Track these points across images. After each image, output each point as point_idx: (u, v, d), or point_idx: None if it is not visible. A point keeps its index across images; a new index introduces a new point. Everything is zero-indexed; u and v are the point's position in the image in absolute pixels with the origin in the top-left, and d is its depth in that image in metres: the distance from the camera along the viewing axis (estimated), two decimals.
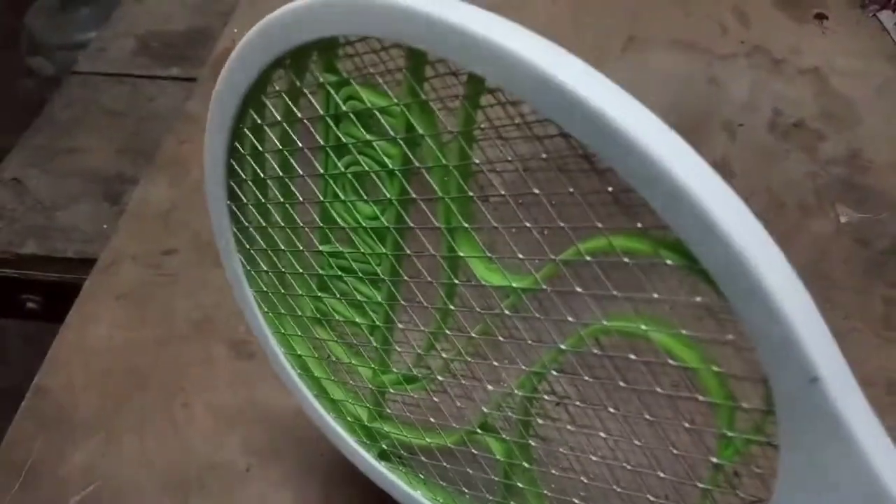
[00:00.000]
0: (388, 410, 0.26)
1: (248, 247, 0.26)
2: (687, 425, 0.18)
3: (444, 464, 0.25)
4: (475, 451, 0.24)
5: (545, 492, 0.23)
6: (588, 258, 0.18)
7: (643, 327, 0.18)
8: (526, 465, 0.23)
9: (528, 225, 0.19)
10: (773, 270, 0.15)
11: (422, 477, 0.26)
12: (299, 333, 0.27)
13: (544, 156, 0.17)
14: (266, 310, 0.27)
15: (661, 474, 0.19)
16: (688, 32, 0.57)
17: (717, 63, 0.55)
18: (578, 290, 0.18)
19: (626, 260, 0.17)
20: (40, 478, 0.33)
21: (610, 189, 0.16)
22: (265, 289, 0.27)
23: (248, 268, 0.27)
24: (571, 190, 0.17)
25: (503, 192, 0.19)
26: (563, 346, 0.20)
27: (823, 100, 0.52)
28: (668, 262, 0.16)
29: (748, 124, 0.50)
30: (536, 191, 0.18)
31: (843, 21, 0.59)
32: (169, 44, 0.60)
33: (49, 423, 0.35)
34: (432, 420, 0.25)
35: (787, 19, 0.59)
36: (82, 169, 0.50)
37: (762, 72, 0.54)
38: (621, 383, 0.19)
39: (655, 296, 0.17)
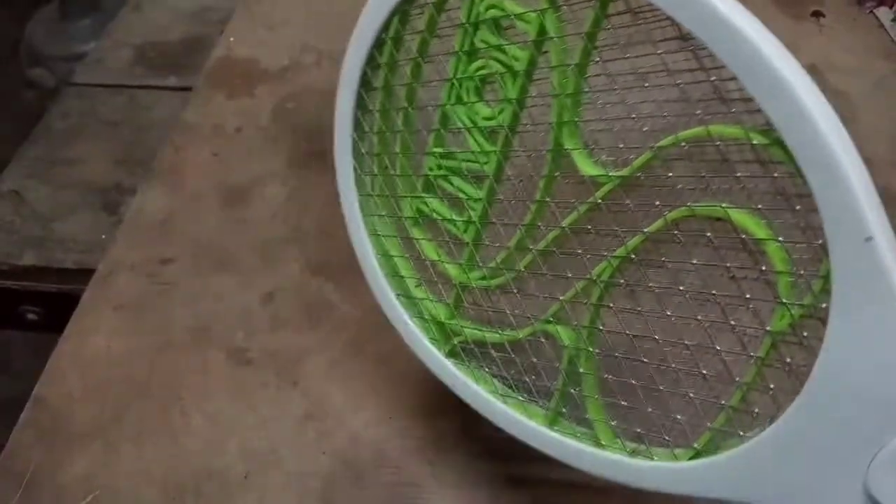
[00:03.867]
0: (467, 307, 0.29)
1: (363, 150, 0.30)
2: (748, 296, 0.21)
3: (513, 356, 0.27)
4: (544, 340, 0.26)
5: (607, 375, 0.25)
6: (684, 144, 0.21)
7: (723, 205, 0.21)
8: (591, 349, 0.25)
9: (633, 116, 0.22)
10: (843, 148, 0.19)
11: (487, 371, 0.28)
12: (394, 234, 0.30)
13: (660, 52, 0.20)
14: (367, 211, 0.31)
15: (719, 347, 0.21)
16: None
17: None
18: (669, 175, 0.21)
19: (717, 143, 0.20)
20: (40, 487, 0.33)
21: (713, 79, 0.19)
22: (371, 192, 0.30)
23: (358, 171, 0.30)
24: (679, 82, 0.20)
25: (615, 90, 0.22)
26: (646, 231, 0.22)
27: None
28: (755, 141, 0.19)
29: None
30: (646, 84, 0.21)
31: (839, 18, 0.59)
32: (165, 53, 0.60)
33: (48, 432, 0.35)
34: (508, 314, 0.27)
35: (785, 17, 0.59)
36: (80, 180, 0.50)
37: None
38: (693, 261, 0.21)
39: (738, 174, 0.20)
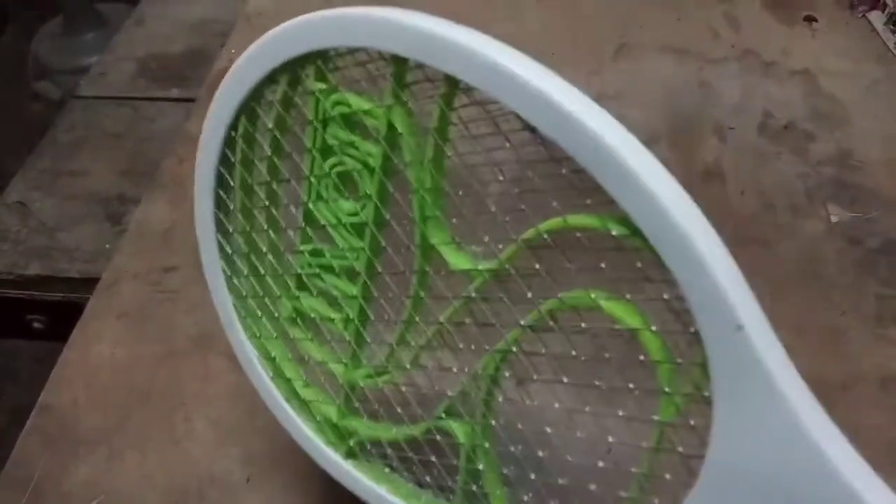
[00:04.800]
0: (357, 405, 0.28)
1: (230, 252, 0.28)
2: (631, 386, 0.20)
3: (410, 454, 0.26)
4: (439, 438, 0.25)
5: (504, 471, 0.24)
6: (546, 237, 0.20)
7: (593, 296, 0.20)
8: (487, 444, 0.24)
9: (493, 209, 0.21)
10: (702, 237, 0.18)
11: (387, 472, 0.28)
12: (274, 335, 0.29)
13: (507, 145, 0.20)
14: (244, 314, 0.29)
15: (611, 438, 0.21)
16: (679, 38, 0.58)
17: (708, 67, 0.55)
18: (536, 266, 0.21)
19: (577, 234, 0.20)
20: (45, 494, 0.34)
21: (564, 171, 0.19)
22: (244, 293, 0.29)
23: (229, 273, 0.29)
24: (531, 175, 0.20)
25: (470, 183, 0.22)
26: (522, 323, 0.22)
27: (813, 101, 0.52)
28: (614, 232, 0.19)
29: (739, 127, 0.51)
30: (501, 178, 0.21)
31: (832, 23, 0.60)
32: (168, 66, 0.61)
33: (53, 440, 0.36)
34: (400, 412, 0.26)
35: (777, 22, 0.60)
36: (85, 191, 0.51)
37: (753, 75, 0.55)
38: (573, 352, 0.21)
39: (603, 265, 0.20)
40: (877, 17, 0.59)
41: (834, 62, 0.55)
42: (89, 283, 0.44)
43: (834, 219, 0.43)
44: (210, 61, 0.59)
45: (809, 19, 0.60)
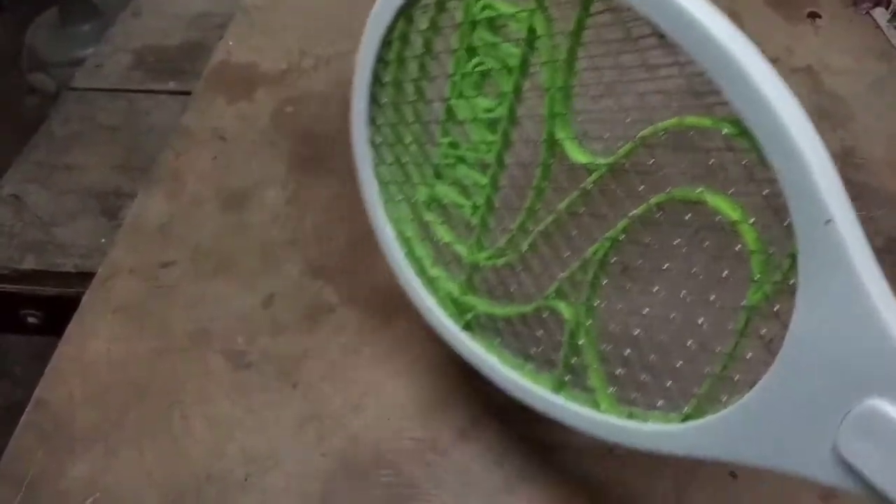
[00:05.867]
0: (477, 284, 0.32)
1: (378, 142, 0.33)
2: (725, 274, 0.23)
3: (520, 329, 0.30)
4: (547, 316, 0.29)
5: (602, 347, 0.27)
6: (662, 135, 0.23)
7: (699, 191, 0.23)
8: (589, 323, 0.27)
9: (616, 109, 0.24)
10: (804, 136, 0.20)
11: (497, 344, 0.31)
12: (410, 218, 0.34)
13: (635, 49, 0.22)
14: (385, 199, 0.34)
15: (701, 320, 0.24)
16: None
17: None
18: (650, 162, 0.23)
19: (690, 134, 0.22)
20: (41, 491, 0.33)
21: (685, 74, 0.21)
22: (387, 179, 0.34)
23: (376, 161, 0.34)
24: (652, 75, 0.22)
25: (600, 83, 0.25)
26: (633, 213, 0.24)
27: (816, 98, 0.52)
28: (725, 131, 0.21)
29: None
30: (626, 79, 0.23)
31: (835, 19, 0.59)
32: (165, 58, 0.61)
33: (49, 436, 0.35)
34: (514, 291, 0.30)
35: (780, 19, 0.59)
36: (80, 184, 0.51)
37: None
38: (675, 241, 0.24)
39: (712, 162, 0.22)
40: (880, 14, 0.59)
41: (837, 59, 0.55)
42: (85, 277, 0.44)
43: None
44: (208, 54, 0.59)
45: (813, 16, 0.60)
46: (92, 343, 0.39)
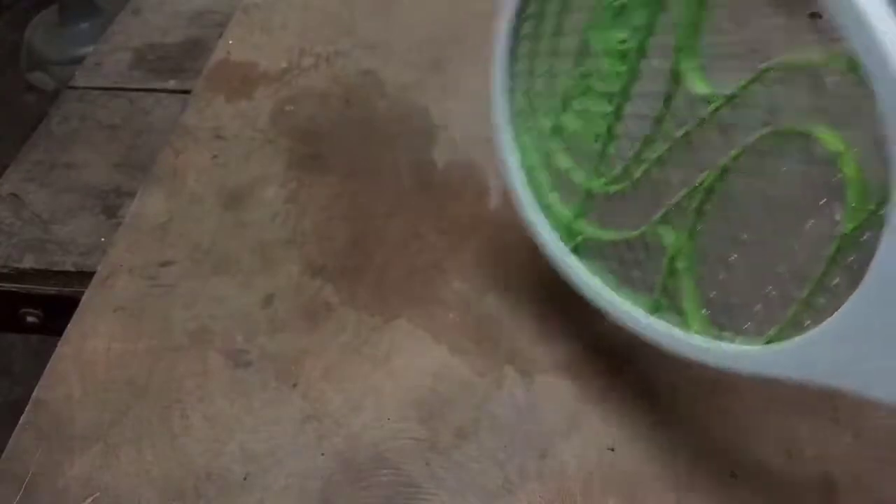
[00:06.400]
0: (589, 209, 0.34)
1: (516, 71, 0.35)
2: (822, 202, 0.24)
3: (625, 253, 0.32)
4: (649, 241, 0.31)
5: (699, 268, 0.29)
6: (781, 68, 0.24)
7: (808, 123, 0.24)
8: (690, 248, 0.29)
9: (739, 44, 0.26)
10: None
11: (602, 266, 0.34)
12: (535, 147, 0.36)
13: None
14: (515, 126, 0.36)
15: (795, 246, 0.25)
16: None
17: None
18: (766, 94, 0.25)
19: (804, 71, 0.24)
20: (40, 490, 0.33)
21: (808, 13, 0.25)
22: (519, 108, 0.36)
23: (512, 89, 0.36)
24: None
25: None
26: (746, 142, 0.26)
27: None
28: (838, 66, 0.23)
29: None
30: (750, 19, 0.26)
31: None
32: (164, 57, 0.61)
33: (48, 435, 0.35)
34: (623, 217, 0.32)
35: (781, 18, 0.59)
36: (79, 183, 0.51)
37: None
38: (783, 168, 0.25)
39: (823, 96, 0.23)
40: None
41: None
42: (84, 276, 0.44)
43: (837, 217, 0.43)
44: (208, 52, 0.59)
45: (814, 16, 0.60)
46: (91, 342, 0.39)
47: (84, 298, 0.41)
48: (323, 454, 0.34)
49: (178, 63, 0.60)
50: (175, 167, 0.49)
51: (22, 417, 0.36)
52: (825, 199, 0.24)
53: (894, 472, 0.33)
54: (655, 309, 0.31)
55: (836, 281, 0.24)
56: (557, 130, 0.35)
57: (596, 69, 0.32)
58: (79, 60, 0.63)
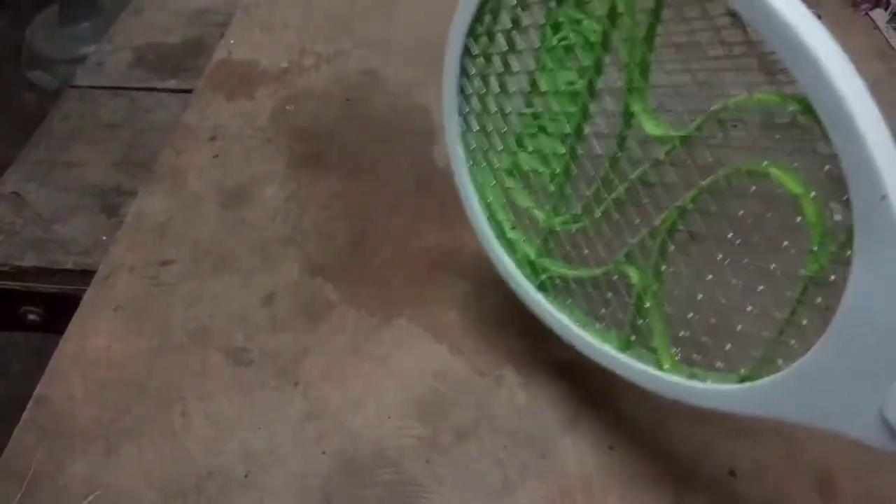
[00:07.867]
0: (552, 247, 0.34)
1: (466, 110, 0.35)
2: (786, 244, 0.24)
3: (591, 291, 0.32)
4: (616, 279, 0.30)
5: (667, 310, 0.29)
6: (733, 109, 0.24)
7: (765, 164, 0.24)
8: (656, 287, 0.29)
9: (689, 84, 0.25)
10: (864, 115, 0.21)
11: (569, 303, 0.34)
12: (492, 183, 0.36)
13: (712, 28, 0.24)
14: (471, 164, 0.36)
15: (760, 287, 0.25)
16: None
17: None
18: (719, 135, 0.25)
19: (757, 111, 0.23)
20: (41, 488, 0.33)
21: (757, 53, 0.23)
22: (473, 146, 0.36)
23: (464, 128, 0.36)
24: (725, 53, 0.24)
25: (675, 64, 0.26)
26: (702, 184, 0.26)
27: None
28: (791, 108, 0.23)
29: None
30: (700, 56, 0.25)
31: (835, 20, 0.59)
32: (165, 56, 0.61)
33: (49, 433, 0.35)
34: (587, 254, 0.32)
35: None
36: (80, 182, 0.51)
37: (755, 73, 0.54)
38: (740, 212, 0.25)
39: (777, 137, 0.23)
40: (879, 15, 0.59)
41: None
42: (85, 275, 0.44)
43: (837, 217, 0.43)
44: (208, 52, 0.59)
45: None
46: (92, 341, 0.39)
47: (85, 297, 0.41)
48: (323, 452, 0.34)
49: (179, 62, 0.60)
50: (176, 166, 0.49)
51: (23, 415, 0.36)
52: (787, 241, 0.24)
53: (894, 471, 0.33)
54: (626, 346, 0.31)
55: (805, 322, 0.24)
56: (514, 169, 0.35)
57: (547, 109, 0.32)
58: (79, 59, 0.63)
